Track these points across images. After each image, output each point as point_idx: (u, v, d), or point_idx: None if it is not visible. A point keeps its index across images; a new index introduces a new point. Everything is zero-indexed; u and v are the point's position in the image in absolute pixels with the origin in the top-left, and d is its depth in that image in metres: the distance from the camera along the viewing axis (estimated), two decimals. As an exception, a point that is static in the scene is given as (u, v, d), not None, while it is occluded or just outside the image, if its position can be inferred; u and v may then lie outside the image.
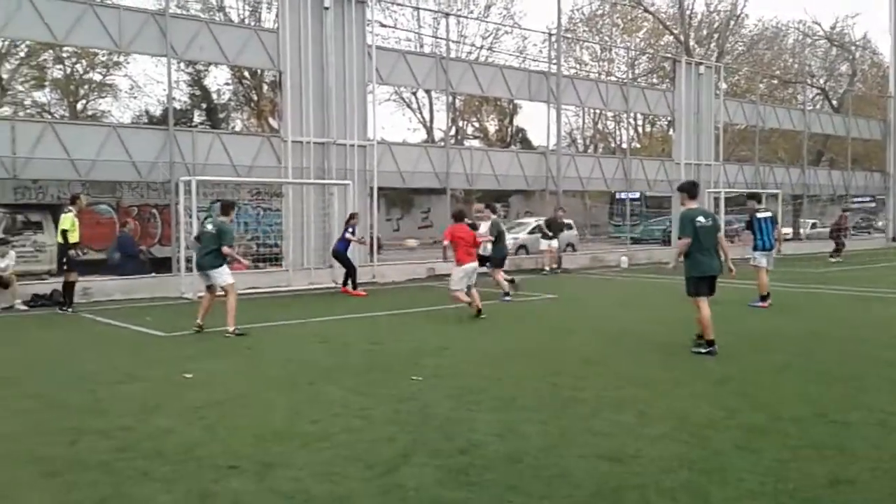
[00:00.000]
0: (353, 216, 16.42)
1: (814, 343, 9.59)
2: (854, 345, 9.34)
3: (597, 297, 15.98)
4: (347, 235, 16.09)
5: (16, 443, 5.52)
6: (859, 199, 39.48)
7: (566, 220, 22.25)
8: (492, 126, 47.83)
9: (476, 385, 7.24)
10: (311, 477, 4.76)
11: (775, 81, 40.76)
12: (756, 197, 14.68)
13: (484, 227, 15.02)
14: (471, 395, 6.80)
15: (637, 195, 24.62)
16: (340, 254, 16.20)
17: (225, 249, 10.50)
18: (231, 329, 10.26)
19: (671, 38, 41.89)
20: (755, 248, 13.62)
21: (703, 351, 8.68)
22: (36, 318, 12.90)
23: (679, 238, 9.00)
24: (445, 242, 12.46)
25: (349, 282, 16.15)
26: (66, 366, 8.55)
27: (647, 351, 9.09)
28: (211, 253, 10.51)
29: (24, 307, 13.90)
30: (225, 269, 10.64)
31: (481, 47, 39.50)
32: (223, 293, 10.73)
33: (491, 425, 5.85)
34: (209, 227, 10.67)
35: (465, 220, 12.49)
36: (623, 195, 31.53)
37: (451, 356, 8.83)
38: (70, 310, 13.39)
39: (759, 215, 13.80)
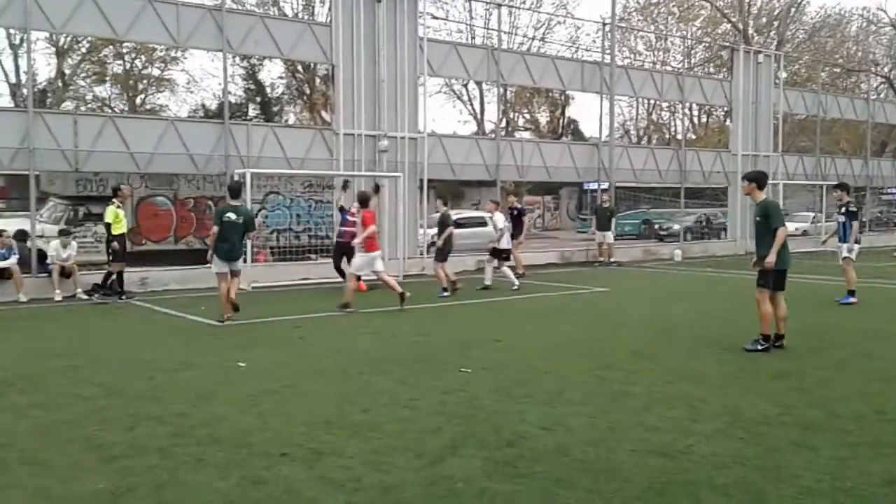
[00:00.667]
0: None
1: (874, 340, 9.31)
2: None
3: (648, 290, 15.76)
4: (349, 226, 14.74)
5: (77, 428, 5.70)
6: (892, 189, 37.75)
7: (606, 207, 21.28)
8: (543, 117, 47.56)
9: (524, 378, 7.23)
10: (361, 465, 4.81)
11: (837, 70, 39.62)
12: (846, 187, 13.69)
13: (499, 219, 15.22)
14: (519, 388, 6.79)
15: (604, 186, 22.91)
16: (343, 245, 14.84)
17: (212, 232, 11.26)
18: (227, 316, 10.94)
19: (729, 26, 41.03)
20: (843, 240, 13.03)
21: (760, 347, 8.46)
22: (96, 307, 13.28)
23: (780, 228, 8.46)
24: (373, 229, 12.11)
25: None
26: (124, 354, 8.79)
27: (699, 345, 8.94)
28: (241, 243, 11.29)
29: (85, 296, 14.32)
30: (215, 262, 11.20)
31: (533, 38, 39.27)
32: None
33: (539, 418, 5.83)
34: (232, 216, 10.93)
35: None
36: (591, 185, 30.08)
37: (499, 348, 8.82)
38: (124, 298, 13.78)
39: (851, 208, 13.20)
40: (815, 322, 10.69)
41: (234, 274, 11.20)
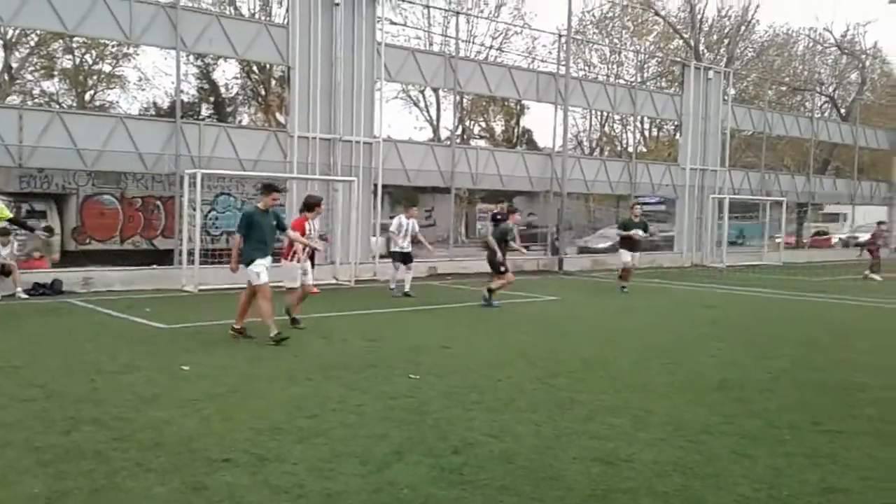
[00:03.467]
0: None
1: (812, 351, 9.56)
2: (852, 354, 9.32)
3: (598, 300, 15.96)
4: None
5: (14, 431, 5.54)
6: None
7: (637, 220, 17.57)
8: (498, 126, 47.79)
9: (473, 384, 7.25)
10: (306, 472, 4.77)
11: (784, 88, 40.67)
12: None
13: (394, 223, 15.34)
14: (467, 395, 6.81)
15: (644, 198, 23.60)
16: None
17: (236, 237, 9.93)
18: (238, 327, 9.85)
19: (681, 42, 41.82)
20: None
21: None
22: (37, 307, 12.94)
23: None
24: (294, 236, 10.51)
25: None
26: (65, 355, 8.57)
27: (646, 355, 9.08)
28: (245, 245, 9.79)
29: (25, 296, 13.94)
30: (256, 263, 9.58)
31: (490, 47, 39.45)
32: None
33: (486, 425, 5.85)
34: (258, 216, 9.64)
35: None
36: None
37: (449, 355, 8.84)
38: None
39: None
40: (756, 331, 10.94)
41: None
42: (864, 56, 44.69)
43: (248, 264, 9.60)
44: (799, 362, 8.80)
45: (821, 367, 8.56)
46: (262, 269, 9.54)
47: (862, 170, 35.84)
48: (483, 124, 47.33)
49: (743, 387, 7.42)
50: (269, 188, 9.89)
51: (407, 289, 15.16)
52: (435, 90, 37.47)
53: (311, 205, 11.02)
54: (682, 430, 5.80)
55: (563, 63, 24.28)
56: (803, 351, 9.56)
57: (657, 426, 5.92)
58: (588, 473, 4.82)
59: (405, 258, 15.30)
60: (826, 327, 11.95)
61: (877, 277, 21.19)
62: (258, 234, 9.54)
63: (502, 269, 13.65)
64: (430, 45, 35.14)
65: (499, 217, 18.21)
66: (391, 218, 16.80)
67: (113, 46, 33.28)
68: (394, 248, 15.35)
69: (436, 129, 41.61)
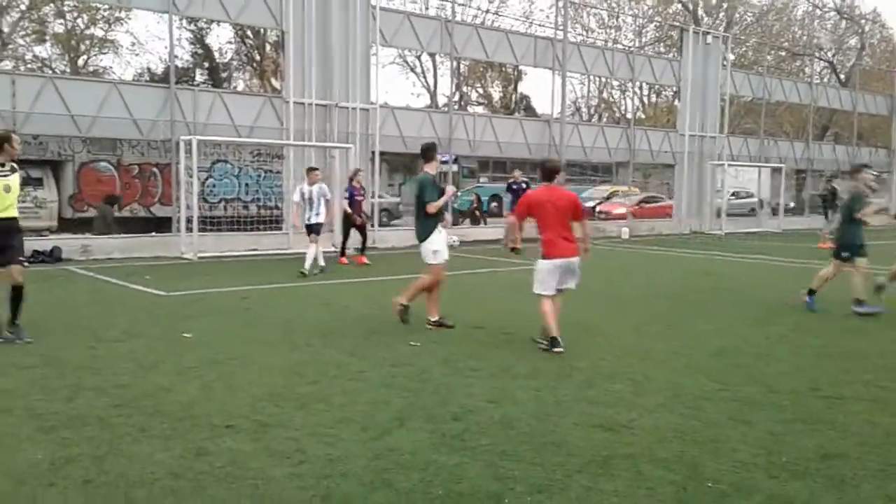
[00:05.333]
0: (356, 172, 15.30)
1: (811, 316, 9.59)
2: (856, 321, 9.36)
3: (597, 267, 15.94)
4: (356, 198, 14.83)
5: (15, 398, 5.55)
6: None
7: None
8: (496, 92, 47.50)
9: (473, 352, 7.27)
10: (307, 437, 4.79)
11: (783, 53, 40.40)
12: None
13: (296, 192, 13.89)
14: (467, 362, 6.83)
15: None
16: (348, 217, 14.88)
17: (429, 207, 8.20)
18: (434, 319, 8.43)
19: (680, 6, 41.41)
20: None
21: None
22: (35, 275, 12.90)
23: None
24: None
25: (350, 248, 15.27)
26: (65, 323, 8.58)
27: (645, 321, 9.11)
28: (417, 217, 8.46)
29: (25, 263, 13.87)
30: (433, 240, 8.25)
31: (487, 11, 39.05)
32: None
33: (486, 392, 5.88)
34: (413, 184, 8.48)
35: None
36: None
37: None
38: None
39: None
40: (755, 298, 10.96)
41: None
42: (863, 21, 44.36)
43: (424, 239, 8.29)
44: (797, 328, 8.83)
45: (819, 333, 8.59)
46: (441, 247, 8.35)
47: (861, 136, 35.71)
48: (480, 90, 47.03)
49: (742, 353, 7.45)
50: (433, 150, 8.53)
51: (307, 266, 12.96)
52: (431, 55, 37.16)
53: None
54: (682, 397, 5.83)
55: (561, 27, 24.02)
56: (802, 317, 9.59)
57: (656, 392, 5.95)
58: (589, 439, 4.85)
59: (311, 229, 13.35)
60: (825, 294, 11.97)
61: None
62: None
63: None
64: (426, 9, 34.74)
65: (514, 186, 18.24)
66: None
67: (105, 10, 32.88)
68: (306, 221, 13.50)
69: (433, 96, 41.36)
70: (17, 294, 7.48)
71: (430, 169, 8.38)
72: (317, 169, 13.95)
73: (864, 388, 6.17)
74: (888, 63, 41.73)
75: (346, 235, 15.22)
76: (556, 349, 7.17)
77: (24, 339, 7.40)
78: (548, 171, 7.68)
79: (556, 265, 7.37)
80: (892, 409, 5.65)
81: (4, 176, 7.32)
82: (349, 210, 14.66)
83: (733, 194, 31.21)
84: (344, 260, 15.04)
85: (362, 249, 15.23)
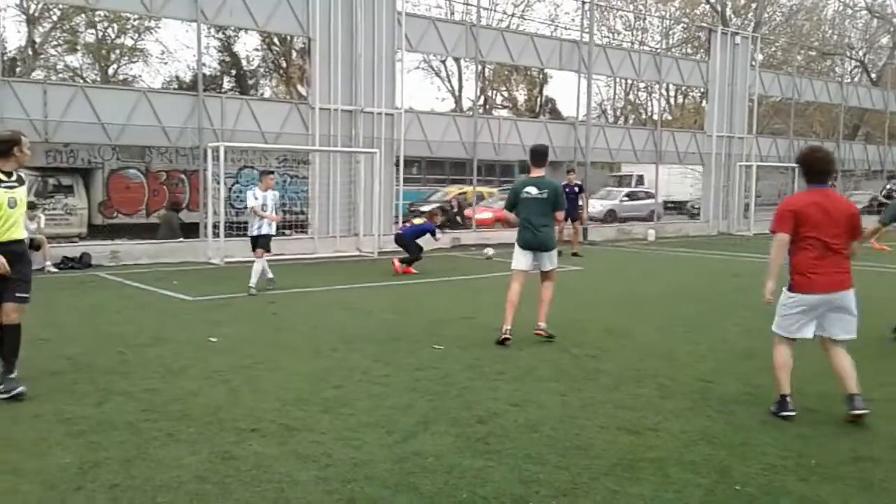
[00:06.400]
0: (436, 214, 15.19)
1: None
2: (883, 321, 9.18)
3: (622, 269, 15.86)
4: (439, 235, 14.61)
5: (45, 403, 5.63)
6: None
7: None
8: (521, 96, 47.40)
9: (497, 355, 7.26)
10: (333, 441, 4.81)
11: (813, 53, 39.86)
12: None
13: (249, 196, 11.98)
14: (491, 365, 6.82)
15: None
16: (405, 240, 14.29)
17: (559, 215, 8.08)
18: (543, 325, 8.08)
19: (707, 7, 41.08)
20: None
21: None
22: (66, 281, 13.11)
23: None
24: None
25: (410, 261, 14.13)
26: (94, 328, 8.69)
27: (670, 324, 9.02)
28: (548, 226, 8.00)
29: (55, 269, 14.12)
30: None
31: (512, 15, 39.06)
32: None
33: (510, 395, 5.86)
34: (533, 190, 7.89)
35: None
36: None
37: (472, 326, 8.85)
38: None
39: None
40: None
41: (545, 276, 8.18)
42: (895, 19, 43.61)
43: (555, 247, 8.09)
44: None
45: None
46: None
47: (893, 135, 35.09)
48: (505, 94, 46.96)
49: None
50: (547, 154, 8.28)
51: (253, 282, 11.35)
52: (456, 60, 37.20)
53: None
54: (709, 400, 5.77)
55: (587, 30, 23.89)
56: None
57: (683, 395, 5.89)
58: (615, 443, 4.81)
59: (257, 242, 11.67)
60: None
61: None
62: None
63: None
64: (451, 13, 34.74)
65: (566, 190, 17.91)
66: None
67: (134, 20, 33.33)
68: (251, 231, 11.79)
69: (458, 100, 41.39)
70: (10, 336, 5.82)
71: (541, 174, 8.06)
72: (272, 173, 12.93)
73: (895, 391, 6.06)
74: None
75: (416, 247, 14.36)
76: (783, 412, 5.39)
77: (16, 391, 5.68)
78: None
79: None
80: (925, 412, 5.54)
81: (10, 187, 5.69)
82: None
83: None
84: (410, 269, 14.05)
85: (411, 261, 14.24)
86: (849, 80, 34.51)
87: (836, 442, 4.83)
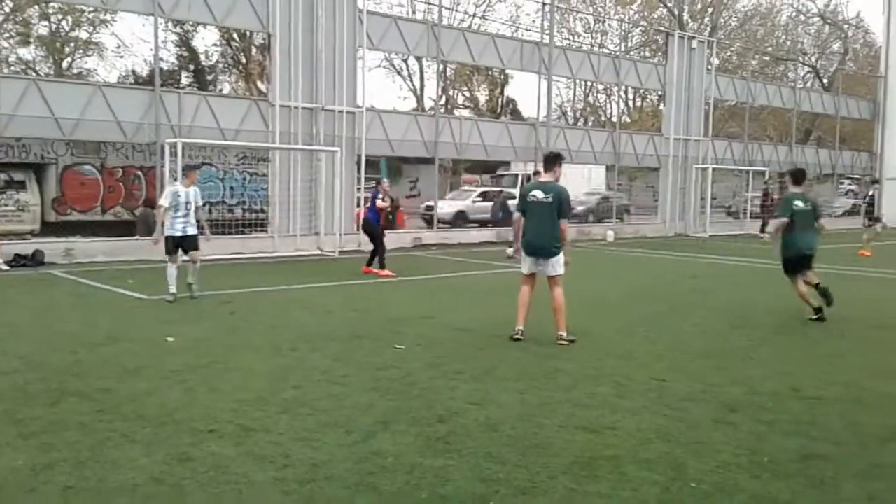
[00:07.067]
0: (379, 181, 14.63)
1: (792, 318, 9.66)
2: (838, 323, 9.42)
3: (583, 269, 15.98)
4: (379, 203, 13.89)
5: (-5, 402, 5.50)
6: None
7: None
8: (482, 96, 47.52)
9: (457, 354, 7.28)
10: (291, 442, 4.78)
11: (767, 58, 40.68)
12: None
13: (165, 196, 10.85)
14: (452, 365, 6.83)
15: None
16: (372, 225, 13.95)
17: (564, 224, 7.91)
18: (564, 334, 7.92)
19: (665, 11, 41.65)
20: None
21: (814, 318, 9.31)
22: (18, 279, 12.81)
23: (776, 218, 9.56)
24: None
25: (374, 260, 13.85)
26: (47, 327, 8.51)
27: (629, 324, 9.14)
28: (550, 231, 7.89)
29: (6, 267, 13.79)
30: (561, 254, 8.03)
31: (474, 15, 39.10)
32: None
33: (471, 394, 5.88)
34: (539, 194, 7.90)
35: None
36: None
37: (433, 325, 8.86)
38: None
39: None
40: (738, 300, 11.03)
41: (551, 283, 8.16)
42: (846, 26, 44.75)
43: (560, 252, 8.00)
44: (780, 331, 8.90)
45: (801, 335, 8.65)
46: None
47: (843, 140, 35.99)
48: (467, 94, 47.04)
49: (724, 355, 7.50)
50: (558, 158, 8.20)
51: (172, 289, 10.35)
52: (418, 59, 37.16)
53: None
54: (665, 398, 5.85)
55: (547, 32, 24.09)
56: (784, 319, 9.65)
57: (640, 394, 5.97)
58: (573, 441, 4.86)
59: (179, 243, 10.53)
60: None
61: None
62: None
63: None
64: (413, 12, 34.70)
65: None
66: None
67: (89, 13, 32.65)
68: (171, 231, 10.51)
69: (419, 99, 41.33)
70: None
71: (550, 178, 8.03)
72: (198, 168, 12.00)
73: (845, 389, 6.23)
74: (870, 68, 42.08)
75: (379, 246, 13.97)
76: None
77: None
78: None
79: None
80: (871, 409, 5.70)
81: None
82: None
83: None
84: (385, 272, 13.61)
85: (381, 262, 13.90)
86: (801, 86, 35.27)
87: (788, 440, 4.94)
